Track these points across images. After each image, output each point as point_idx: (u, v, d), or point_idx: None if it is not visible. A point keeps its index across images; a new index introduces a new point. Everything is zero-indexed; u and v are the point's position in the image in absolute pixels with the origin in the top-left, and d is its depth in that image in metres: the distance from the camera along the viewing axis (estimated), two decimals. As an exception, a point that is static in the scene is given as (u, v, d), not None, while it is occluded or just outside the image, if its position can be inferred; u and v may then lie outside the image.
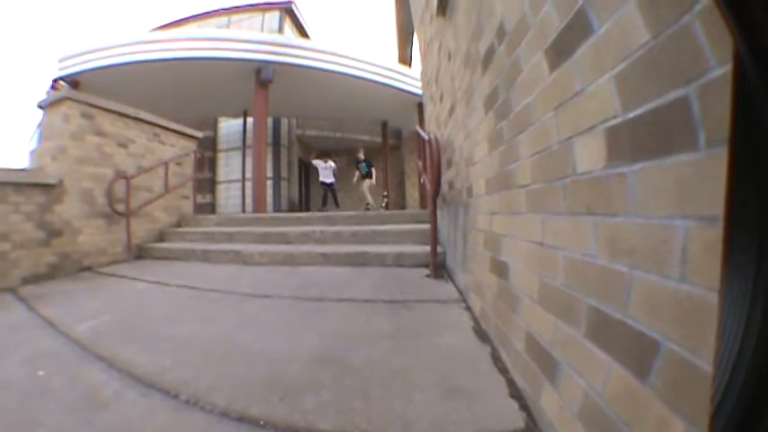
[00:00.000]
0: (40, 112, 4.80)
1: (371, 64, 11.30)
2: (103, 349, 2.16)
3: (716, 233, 0.63)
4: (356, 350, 1.99)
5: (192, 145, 6.63)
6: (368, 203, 11.03)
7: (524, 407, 1.38)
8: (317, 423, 1.37)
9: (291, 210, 15.01)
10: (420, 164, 4.73)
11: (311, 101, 12.48)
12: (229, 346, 2.13)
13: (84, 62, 10.18)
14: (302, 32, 16.80)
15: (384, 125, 15.24)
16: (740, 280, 0.62)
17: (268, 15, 14.96)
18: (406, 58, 13.81)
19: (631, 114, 0.82)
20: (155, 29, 17.10)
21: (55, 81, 10.61)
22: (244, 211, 13.04)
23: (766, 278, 0.60)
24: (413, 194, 17.00)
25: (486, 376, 1.63)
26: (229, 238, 5.42)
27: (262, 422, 1.40)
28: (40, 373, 1.98)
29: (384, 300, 2.92)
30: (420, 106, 9.58)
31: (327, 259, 4.26)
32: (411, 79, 11.95)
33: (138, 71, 9.94)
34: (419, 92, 8.72)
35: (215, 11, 16.07)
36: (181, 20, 16.66)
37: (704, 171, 0.65)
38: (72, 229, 4.48)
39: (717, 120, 0.63)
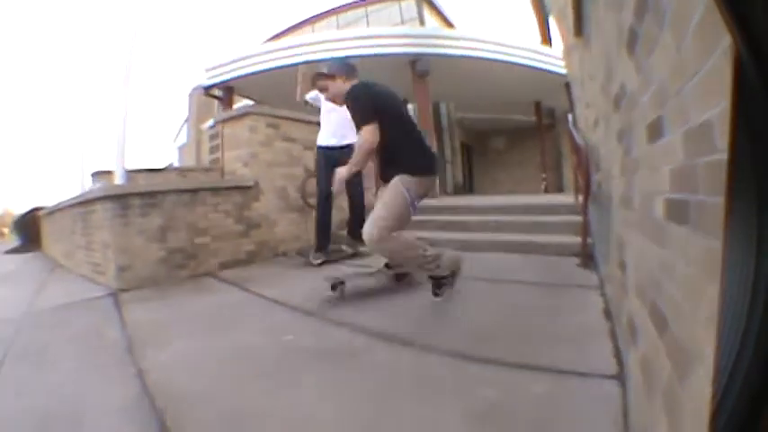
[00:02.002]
0: (219, 125, 6.00)
1: (515, 47, 11.33)
2: (337, 317, 3.03)
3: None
4: (524, 317, 2.81)
5: None
6: None
7: (620, 362, 1.94)
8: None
9: (457, 192, 15.27)
10: (574, 159, 5.03)
11: (464, 87, 12.68)
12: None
13: (233, 70, 11.53)
14: (442, 17, 16.92)
15: (537, 105, 15.05)
16: (740, 279, 0.65)
17: (404, 4, 15.39)
18: (546, 37, 13.43)
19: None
20: (280, 33, 18.62)
21: (207, 88, 12.29)
22: None
23: (766, 277, 0.61)
24: (570, 176, 16.23)
25: (601, 342, 2.24)
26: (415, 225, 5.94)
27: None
28: (289, 337, 2.73)
29: (541, 283, 3.61)
30: (567, 86, 9.68)
31: (501, 246, 4.84)
32: (555, 59, 11.65)
33: (288, 73, 10.72)
34: (564, 71, 8.57)
35: (352, 2, 16.87)
36: (320, 14, 17.88)
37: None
38: (269, 221, 5.47)
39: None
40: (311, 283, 4.01)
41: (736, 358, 0.64)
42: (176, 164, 22.26)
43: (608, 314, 2.60)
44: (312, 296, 3.58)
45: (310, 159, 6.00)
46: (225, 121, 5.89)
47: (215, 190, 5.05)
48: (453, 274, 3.23)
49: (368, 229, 2.93)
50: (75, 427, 1.87)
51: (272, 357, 2.46)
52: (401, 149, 3.10)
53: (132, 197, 4.62)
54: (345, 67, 3.40)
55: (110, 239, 4.57)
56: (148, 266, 4.59)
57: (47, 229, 9.73)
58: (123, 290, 4.40)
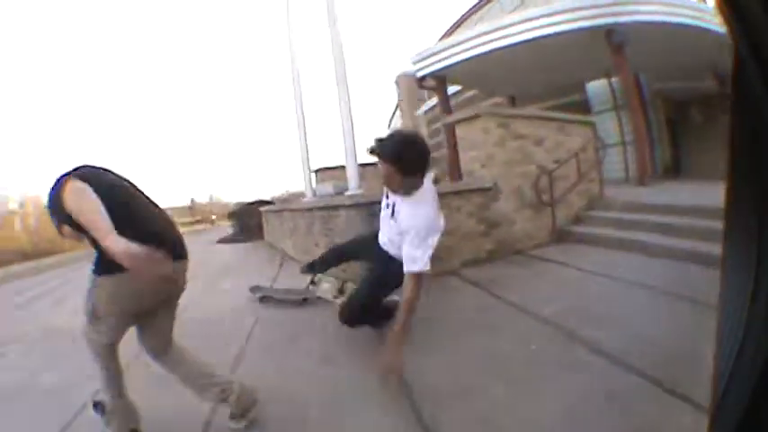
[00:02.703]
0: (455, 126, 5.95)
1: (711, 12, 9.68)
2: (574, 329, 2.85)
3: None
4: None
5: (588, 130, 7.14)
6: None
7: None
8: None
9: (666, 175, 13.55)
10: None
11: (662, 56, 11.42)
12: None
13: (444, 59, 11.44)
14: None
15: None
16: (740, 279, 0.64)
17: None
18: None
19: None
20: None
21: (419, 79, 12.52)
22: (627, 178, 12.08)
23: (766, 277, 0.60)
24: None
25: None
26: (633, 225, 5.47)
27: None
28: (533, 347, 2.67)
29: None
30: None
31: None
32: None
33: (496, 57, 10.72)
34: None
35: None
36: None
37: None
38: (508, 220, 5.44)
39: None
40: (548, 287, 4.02)
41: (735, 360, 0.63)
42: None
43: None
44: (553, 303, 3.46)
45: (541, 156, 5.86)
46: (457, 122, 5.95)
47: (458, 193, 5.11)
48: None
49: None
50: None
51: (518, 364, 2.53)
52: None
53: (377, 205, 4.76)
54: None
55: (355, 242, 4.79)
56: (393, 267, 4.69)
57: (273, 223, 10.79)
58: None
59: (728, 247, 0.71)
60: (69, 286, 8.39)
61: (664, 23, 9.40)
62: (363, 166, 7.10)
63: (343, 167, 6.80)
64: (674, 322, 2.87)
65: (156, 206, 2.12)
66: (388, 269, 2.75)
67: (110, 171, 2.00)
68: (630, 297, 3.50)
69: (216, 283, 6.28)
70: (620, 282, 3.87)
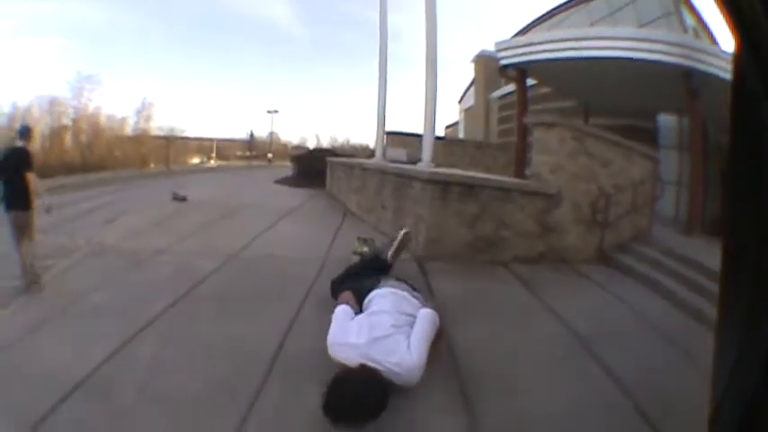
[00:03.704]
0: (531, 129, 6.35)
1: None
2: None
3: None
4: None
5: (651, 165, 7.29)
6: None
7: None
8: None
9: (712, 230, 13.41)
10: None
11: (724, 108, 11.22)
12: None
13: (529, 53, 11.50)
14: (698, 17, 14.98)
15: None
16: (740, 279, 0.64)
17: None
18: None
19: None
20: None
21: (502, 68, 12.66)
22: (676, 219, 11.36)
23: (766, 278, 0.59)
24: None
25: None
26: (668, 272, 5.54)
27: None
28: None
29: None
30: None
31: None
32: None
33: (579, 64, 10.66)
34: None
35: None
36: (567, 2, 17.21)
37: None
38: (562, 229, 5.81)
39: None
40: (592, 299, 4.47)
41: (734, 363, 0.62)
42: (461, 124, 23.76)
43: None
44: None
45: (604, 178, 6.10)
46: (536, 125, 6.32)
47: (524, 193, 5.58)
48: None
49: None
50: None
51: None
52: None
53: (452, 185, 5.37)
54: None
55: (425, 214, 5.45)
56: (455, 245, 5.37)
57: (338, 176, 11.19)
58: (427, 258, 5.24)
59: (729, 246, 0.73)
60: (119, 206, 9.06)
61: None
62: (436, 139, 7.51)
63: (414, 135, 7.13)
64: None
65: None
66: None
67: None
68: (641, 333, 3.88)
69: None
70: (639, 318, 4.22)
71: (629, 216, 6.56)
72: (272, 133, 41.59)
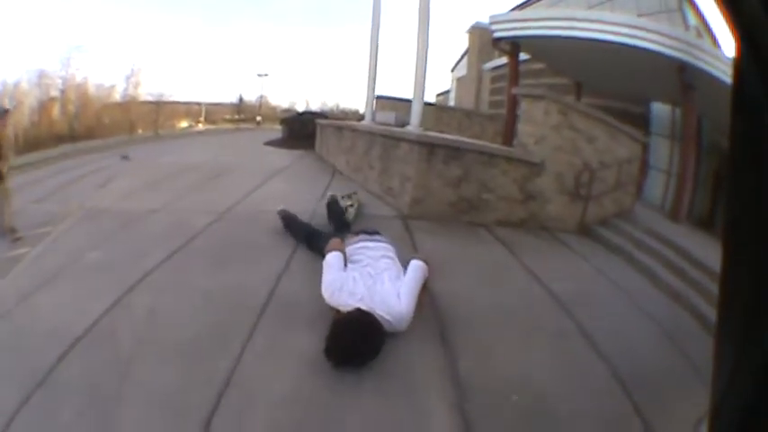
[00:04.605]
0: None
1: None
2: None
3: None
4: None
5: (638, 148, 7.64)
6: None
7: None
8: None
9: (700, 224, 13.74)
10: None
11: (722, 109, 11.34)
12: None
13: (523, 28, 11.53)
14: (700, 17, 14.93)
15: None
16: (740, 279, 0.64)
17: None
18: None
19: None
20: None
21: (495, 40, 12.67)
22: (662, 207, 11.79)
23: (766, 278, 0.59)
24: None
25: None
26: (650, 251, 5.68)
27: None
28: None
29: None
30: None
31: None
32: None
33: (575, 43, 10.49)
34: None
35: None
36: None
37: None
38: (543, 198, 5.99)
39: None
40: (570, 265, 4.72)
41: (733, 364, 0.63)
42: (452, 92, 23.85)
43: None
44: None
45: (588, 153, 6.30)
46: (523, 96, 6.54)
47: (508, 159, 5.77)
48: None
49: None
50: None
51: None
52: None
53: (438, 147, 5.53)
54: None
55: (412, 175, 5.62)
56: (439, 205, 5.58)
57: (327, 137, 11.21)
58: (411, 217, 5.46)
59: (729, 246, 0.70)
60: (109, 172, 8.97)
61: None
62: (426, 105, 7.67)
63: (403, 100, 7.23)
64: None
65: None
66: None
67: None
68: (617, 303, 4.10)
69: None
70: (617, 289, 4.43)
71: (613, 193, 6.78)
72: (261, 97, 40.65)
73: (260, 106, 39.71)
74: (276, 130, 18.49)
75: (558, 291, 3.79)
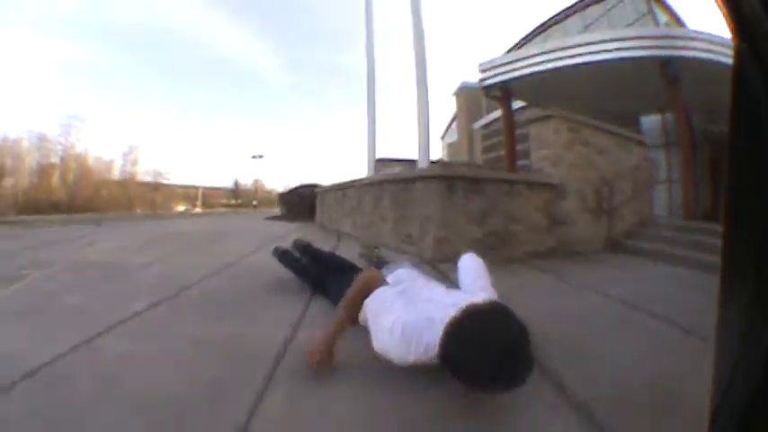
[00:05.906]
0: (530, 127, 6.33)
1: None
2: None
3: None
4: None
5: (642, 150, 7.60)
6: None
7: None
8: None
9: (706, 218, 13.85)
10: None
11: (713, 95, 11.51)
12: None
13: (511, 70, 12.05)
14: (671, 14, 15.69)
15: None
16: (741, 279, 0.64)
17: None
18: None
19: None
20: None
21: (485, 88, 12.86)
22: (670, 216, 12.15)
23: (766, 278, 0.60)
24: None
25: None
26: (687, 244, 5.61)
27: None
28: None
29: None
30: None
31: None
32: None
33: (560, 76, 11.29)
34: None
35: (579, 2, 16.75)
36: (564, 10, 17.91)
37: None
38: (571, 220, 5.76)
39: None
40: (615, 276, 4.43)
41: (735, 362, 0.62)
42: (445, 159, 24.04)
43: None
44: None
45: (602, 165, 6.22)
46: (531, 121, 6.38)
47: (529, 184, 5.52)
48: None
49: None
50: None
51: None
52: None
53: (457, 180, 5.14)
54: None
55: (432, 213, 5.22)
56: (465, 243, 5.04)
57: (329, 203, 11.24)
58: (436, 260, 4.93)
59: (729, 246, 0.72)
60: (100, 235, 8.75)
61: (712, 62, 9.59)
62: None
63: (405, 161, 7.18)
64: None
65: None
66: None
67: None
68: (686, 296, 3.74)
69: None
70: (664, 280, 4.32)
71: (632, 203, 6.68)
72: (256, 180, 41.71)
73: (256, 190, 40.69)
74: (274, 213, 18.71)
75: (622, 295, 3.53)
